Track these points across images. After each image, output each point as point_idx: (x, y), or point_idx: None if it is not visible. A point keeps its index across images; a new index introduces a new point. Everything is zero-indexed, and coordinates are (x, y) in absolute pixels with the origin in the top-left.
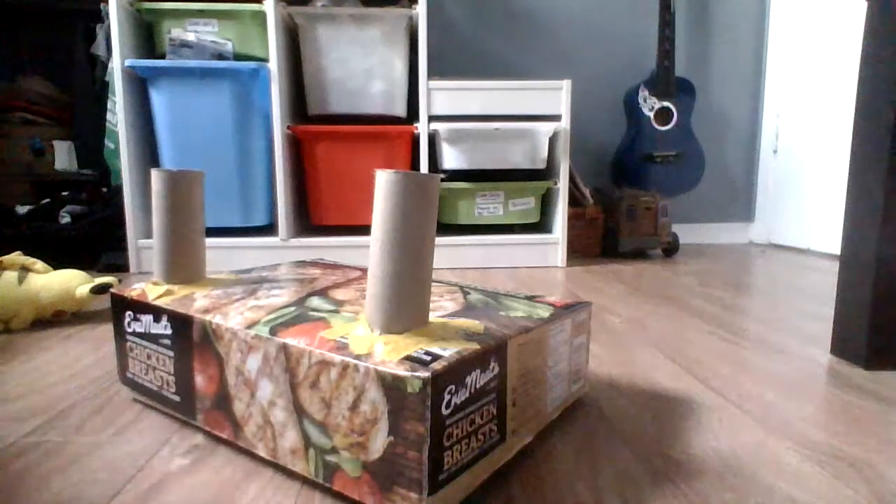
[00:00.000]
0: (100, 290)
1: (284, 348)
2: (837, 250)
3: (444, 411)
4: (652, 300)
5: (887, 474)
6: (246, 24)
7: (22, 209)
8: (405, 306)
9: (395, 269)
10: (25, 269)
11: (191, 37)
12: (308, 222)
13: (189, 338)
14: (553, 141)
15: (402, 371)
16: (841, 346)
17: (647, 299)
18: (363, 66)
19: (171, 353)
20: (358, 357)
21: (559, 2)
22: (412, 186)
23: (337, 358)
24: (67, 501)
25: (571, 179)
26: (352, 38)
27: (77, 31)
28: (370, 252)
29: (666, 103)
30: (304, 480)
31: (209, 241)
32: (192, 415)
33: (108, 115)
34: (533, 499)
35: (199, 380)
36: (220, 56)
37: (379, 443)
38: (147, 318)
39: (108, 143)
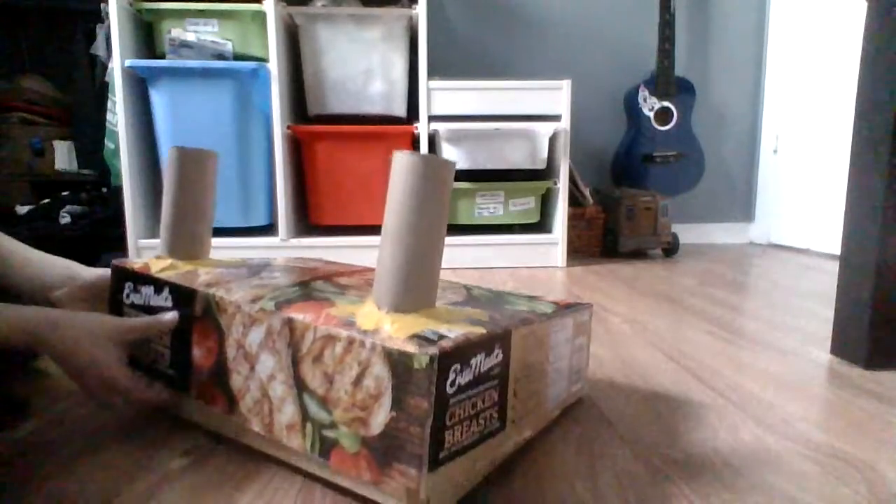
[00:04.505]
0: None
1: (289, 322)
2: (837, 250)
3: (449, 390)
4: (652, 300)
5: (887, 474)
6: (246, 24)
7: (22, 209)
8: (414, 286)
9: (406, 248)
10: None
11: (191, 37)
12: (308, 222)
13: (191, 311)
14: (553, 141)
15: (409, 347)
16: (841, 346)
17: (647, 299)
18: (363, 66)
19: None
20: (365, 332)
21: (559, 2)
22: (428, 169)
23: (343, 333)
24: (67, 501)
25: (571, 179)
26: (352, 38)
27: (77, 31)
28: (382, 231)
29: (666, 103)
30: (304, 480)
31: None
32: (186, 388)
33: (108, 115)
34: (533, 498)
35: (197, 353)
36: (220, 56)
37: (380, 418)
38: (147, 290)
39: (108, 143)
